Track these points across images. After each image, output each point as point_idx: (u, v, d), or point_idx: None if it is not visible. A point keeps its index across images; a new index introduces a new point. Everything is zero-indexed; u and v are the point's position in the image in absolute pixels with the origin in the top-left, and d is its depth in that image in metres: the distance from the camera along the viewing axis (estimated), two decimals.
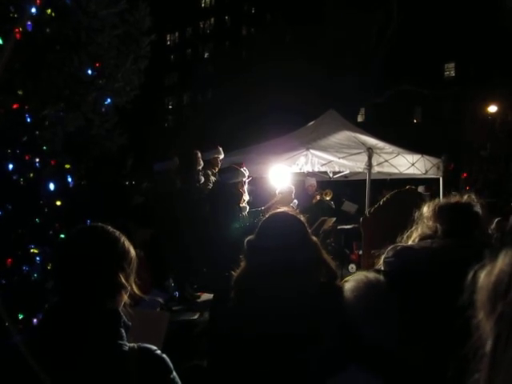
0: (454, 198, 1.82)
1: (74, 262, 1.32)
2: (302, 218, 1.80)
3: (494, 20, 22.75)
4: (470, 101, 22.85)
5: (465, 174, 18.24)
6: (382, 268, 1.77)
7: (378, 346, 1.40)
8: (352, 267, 7.99)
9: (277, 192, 6.67)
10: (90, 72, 3.77)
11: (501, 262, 0.52)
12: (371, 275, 1.61)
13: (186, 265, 6.19)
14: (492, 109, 21.91)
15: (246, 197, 6.06)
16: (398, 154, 7.94)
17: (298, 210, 1.94)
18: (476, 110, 22.45)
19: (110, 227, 1.40)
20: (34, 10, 3.24)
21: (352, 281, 1.60)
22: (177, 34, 45.31)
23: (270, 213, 1.88)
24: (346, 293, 1.58)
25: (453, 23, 24.83)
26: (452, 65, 29.39)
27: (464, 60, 26.80)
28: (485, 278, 0.53)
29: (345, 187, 11.57)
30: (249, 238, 1.78)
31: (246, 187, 6.00)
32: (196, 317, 3.48)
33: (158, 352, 1.31)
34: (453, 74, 29.47)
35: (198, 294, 6.34)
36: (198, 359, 2.75)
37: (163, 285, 5.78)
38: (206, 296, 6.13)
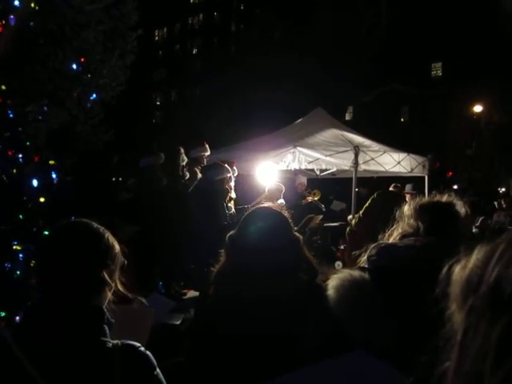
0: (435, 197, 1.85)
1: (57, 257, 1.30)
2: (286, 214, 1.77)
3: (481, 21, 23.03)
4: (456, 100, 23.12)
5: (450, 173, 18.47)
6: (366, 266, 1.77)
7: (365, 345, 1.40)
8: (338, 264, 8.03)
9: (266, 189, 6.67)
10: (74, 67, 3.72)
11: (474, 257, 0.54)
12: (356, 273, 1.60)
13: (173, 262, 6.17)
14: (477, 108, 22.20)
15: (233, 194, 6.05)
16: (384, 153, 7.99)
17: (284, 208, 1.93)
18: (462, 110, 22.73)
19: (94, 223, 1.39)
20: (17, 2, 3.18)
21: (336, 278, 1.60)
22: (165, 29, 44.96)
23: (253, 208, 1.86)
24: (330, 291, 1.57)
25: (440, 23, 25.05)
26: (439, 64, 29.66)
27: (451, 60, 27.06)
28: (459, 272, 0.55)
29: (333, 185, 11.62)
30: (230, 233, 1.76)
31: (232, 184, 5.99)
32: (179, 322, 3.46)
33: (142, 349, 1.31)
34: (440, 73, 29.75)
35: (185, 291, 6.31)
36: (183, 356, 2.74)
37: (150, 282, 5.75)
38: (193, 293, 6.11)
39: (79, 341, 1.23)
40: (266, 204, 1.87)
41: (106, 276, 1.31)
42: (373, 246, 1.73)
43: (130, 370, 1.25)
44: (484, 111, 22.23)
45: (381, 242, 1.78)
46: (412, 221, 1.79)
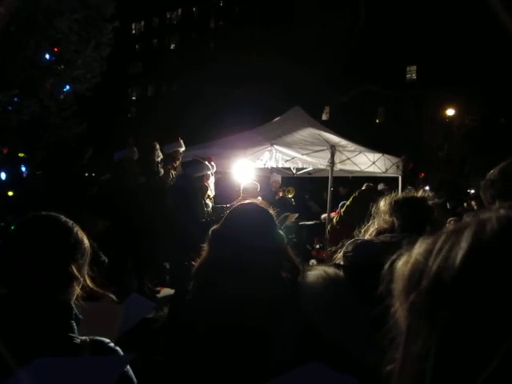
0: (410, 193, 1.86)
1: (22, 250, 1.26)
2: (271, 211, 1.76)
3: (455, 28, 23.59)
4: (429, 103, 23.65)
5: (423, 174, 18.86)
6: (342, 262, 1.76)
7: (339, 345, 1.39)
8: (313, 262, 8.10)
9: (241, 187, 6.64)
10: (47, 57, 3.60)
11: (416, 251, 0.52)
12: (330, 270, 1.59)
13: (147, 259, 6.09)
14: (450, 112, 22.76)
15: (212, 192, 5.99)
16: (360, 153, 8.08)
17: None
18: (435, 113, 23.28)
19: (62, 216, 1.35)
20: None
21: (311, 276, 1.59)
22: (142, 23, 44.34)
23: (239, 203, 1.83)
24: (304, 288, 1.56)
25: (416, 28, 25.57)
26: (414, 68, 30.24)
27: (425, 64, 27.65)
28: (401, 267, 0.53)
29: (309, 184, 11.70)
30: (214, 227, 1.73)
31: (210, 181, 5.94)
32: (151, 316, 3.41)
33: (111, 345, 1.28)
34: (414, 76, 30.33)
35: (158, 288, 6.24)
36: (156, 354, 2.70)
37: (123, 278, 5.66)
38: (166, 291, 6.05)
39: (46, 337, 1.20)
40: (251, 200, 1.85)
41: (74, 270, 1.27)
42: (349, 242, 1.72)
43: None
44: (456, 115, 22.81)
45: (357, 238, 1.78)
46: (387, 217, 1.80)
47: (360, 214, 2.08)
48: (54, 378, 1.07)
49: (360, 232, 1.84)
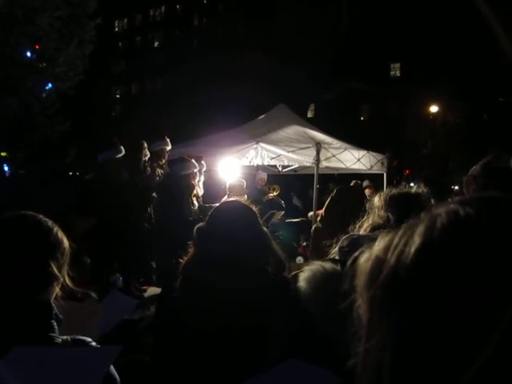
0: (404, 189, 1.87)
1: (1, 250, 1.24)
2: (254, 209, 1.79)
3: (438, 25, 23.86)
4: (413, 100, 23.88)
5: (407, 171, 19.07)
6: (337, 257, 1.76)
7: (334, 341, 1.38)
8: (299, 259, 8.13)
9: (227, 185, 6.63)
10: (28, 54, 3.53)
11: (376, 247, 0.54)
12: (328, 265, 1.58)
13: (133, 257, 6.04)
14: (433, 109, 23.02)
15: (200, 190, 5.94)
16: (345, 150, 8.12)
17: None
18: (419, 110, 23.52)
19: (41, 216, 1.33)
20: None
21: (308, 270, 1.58)
22: (125, 20, 43.88)
23: (223, 202, 1.85)
24: (301, 283, 1.55)
25: (400, 25, 25.79)
26: (397, 65, 30.51)
27: (409, 61, 27.93)
28: (363, 263, 0.54)
29: (295, 181, 11.73)
30: (199, 225, 1.74)
31: (198, 179, 5.90)
32: (137, 317, 3.39)
33: (93, 344, 1.28)
34: (398, 73, 30.61)
35: (144, 287, 6.21)
36: (142, 354, 2.69)
37: (106, 278, 5.61)
38: (153, 290, 6.02)
39: (26, 337, 1.18)
40: (235, 198, 1.87)
41: (54, 270, 1.26)
42: (345, 237, 1.72)
43: None
44: (439, 112, 23.09)
45: (352, 233, 1.78)
46: (382, 212, 1.80)
47: (342, 212, 2.07)
48: (33, 368, 1.05)
49: (354, 228, 1.84)
